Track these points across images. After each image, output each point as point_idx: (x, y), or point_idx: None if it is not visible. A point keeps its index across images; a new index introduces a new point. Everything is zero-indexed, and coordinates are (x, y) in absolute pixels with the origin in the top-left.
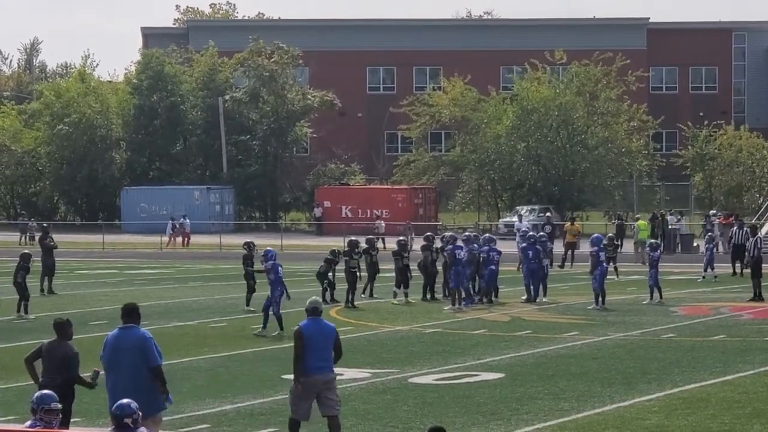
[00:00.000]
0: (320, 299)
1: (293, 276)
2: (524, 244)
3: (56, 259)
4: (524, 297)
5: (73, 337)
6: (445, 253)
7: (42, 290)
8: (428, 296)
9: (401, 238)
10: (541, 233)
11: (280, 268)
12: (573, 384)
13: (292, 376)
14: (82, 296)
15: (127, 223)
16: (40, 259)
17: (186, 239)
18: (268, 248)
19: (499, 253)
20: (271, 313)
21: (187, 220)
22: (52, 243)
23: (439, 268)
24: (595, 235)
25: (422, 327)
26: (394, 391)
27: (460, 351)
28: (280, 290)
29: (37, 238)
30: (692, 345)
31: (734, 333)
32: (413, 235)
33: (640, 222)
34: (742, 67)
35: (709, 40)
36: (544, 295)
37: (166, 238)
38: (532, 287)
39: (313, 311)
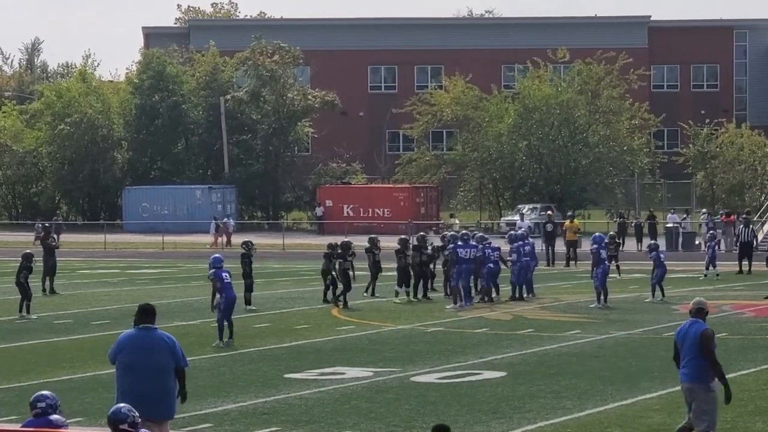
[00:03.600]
0: (704, 299)
1: (295, 275)
2: (519, 243)
3: (58, 258)
4: (527, 295)
5: (75, 336)
6: (446, 252)
7: (44, 290)
8: (418, 296)
9: (403, 236)
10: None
11: (225, 274)
12: (575, 382)
13: (294, 375)
14: (84, 296)
15: (129, 223)
16: (41, 258)
17: (228, 239)
18: (216, 255)
19: (497, 249)
20: (225, 321)
21: (231, 221)
22: (53, 243)
23: (440, 267)
24: (596, 233)
25: (424, 326)
26: (396, 389)
27: (462, 350)
28: (224, 297)
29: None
30: None
31: (736, 331)
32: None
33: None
34: (743, 65)
35: (710, 38)
36: (529, 292)
37: (211, 238)
38: (524, 286)
39: (695, 312)
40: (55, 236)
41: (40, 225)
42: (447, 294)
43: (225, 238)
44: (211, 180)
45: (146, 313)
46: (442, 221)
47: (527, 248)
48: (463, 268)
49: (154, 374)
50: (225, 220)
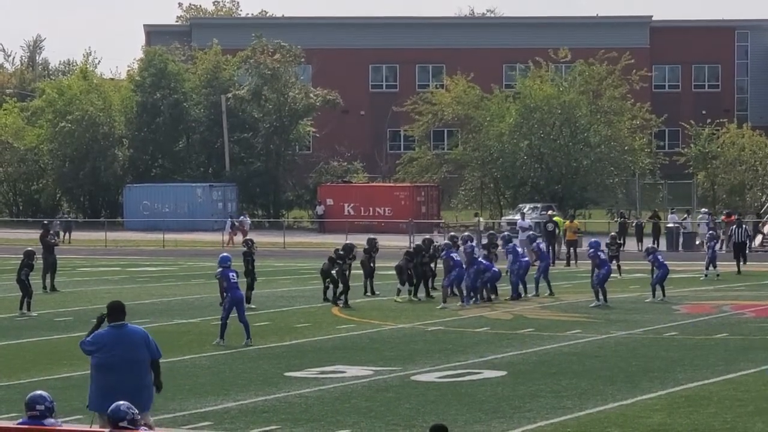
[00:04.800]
0: None
1: (296, 274)
2: (514, 243)
3: (59, 256)
4: (530, 294)
5: (75, 334)
6: (442, 258)
7: (44, 287)
8: (419, 295)
9: (419, 243)
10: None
11: (232, 273)
12: (575, 382)
13: (294, 374)
14: (85, 293)
15: (130, 221)
16: (41, 256)
17: (244, 237)
18: (224, 254)
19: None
20: (238, 321)
21: (248, 219)
22: (53, 240)
23: (441, 266)
24: (592, 240)
25: (424, 324)
26: (396, 388)
27: (462, 349)
28: (229, 296)
29: (61, 235)
30: (695, 343)
31: (736, 331)
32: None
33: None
34: (744, 65)
35: (711, 38)
36: (527, 292)
37: (226, 236)
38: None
39: None
40: (61, 233)
41: (57, 222)
42: (453, 293)
43: (241, 237)
44: (212, 178)
45: (118, 311)
46: (442, 220)
47: (529, 247)
48: (462, 272)
49: (134, 369)
50: (241, 218)
